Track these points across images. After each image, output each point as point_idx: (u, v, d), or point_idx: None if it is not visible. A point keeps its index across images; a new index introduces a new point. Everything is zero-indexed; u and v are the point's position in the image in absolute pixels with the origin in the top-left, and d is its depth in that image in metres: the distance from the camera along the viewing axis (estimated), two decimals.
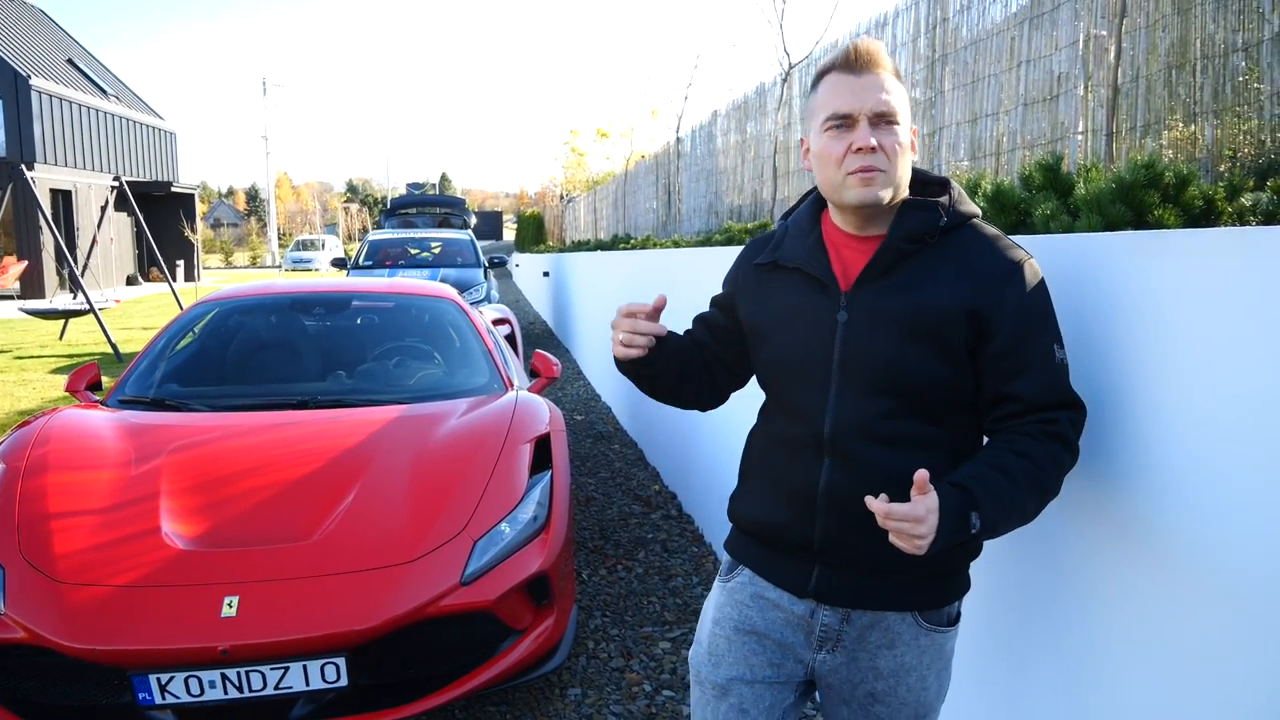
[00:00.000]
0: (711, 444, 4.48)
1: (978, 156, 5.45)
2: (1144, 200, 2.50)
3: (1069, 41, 4.68)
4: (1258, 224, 2.58)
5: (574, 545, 3.81)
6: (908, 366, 1.49)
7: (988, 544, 1.72)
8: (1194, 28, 4.05)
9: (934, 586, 1.59)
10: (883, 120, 1.48)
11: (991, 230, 1.55)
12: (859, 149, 1.48)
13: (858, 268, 1.56)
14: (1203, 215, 2.60)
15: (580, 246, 15.21)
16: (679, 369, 1.74)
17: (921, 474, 1.33)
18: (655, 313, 1.66)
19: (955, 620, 1.64)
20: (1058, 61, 4.77)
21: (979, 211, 1.57)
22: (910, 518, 1.31)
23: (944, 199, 1.54)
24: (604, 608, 3.90)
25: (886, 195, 1.50)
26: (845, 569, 1.57)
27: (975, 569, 1.67)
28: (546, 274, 15.00)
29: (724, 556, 1.78)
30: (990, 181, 3.02)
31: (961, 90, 5.49)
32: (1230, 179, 2.68)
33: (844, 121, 1.50)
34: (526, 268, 20.56)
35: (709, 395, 1.81)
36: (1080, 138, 4.66)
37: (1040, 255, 1.95)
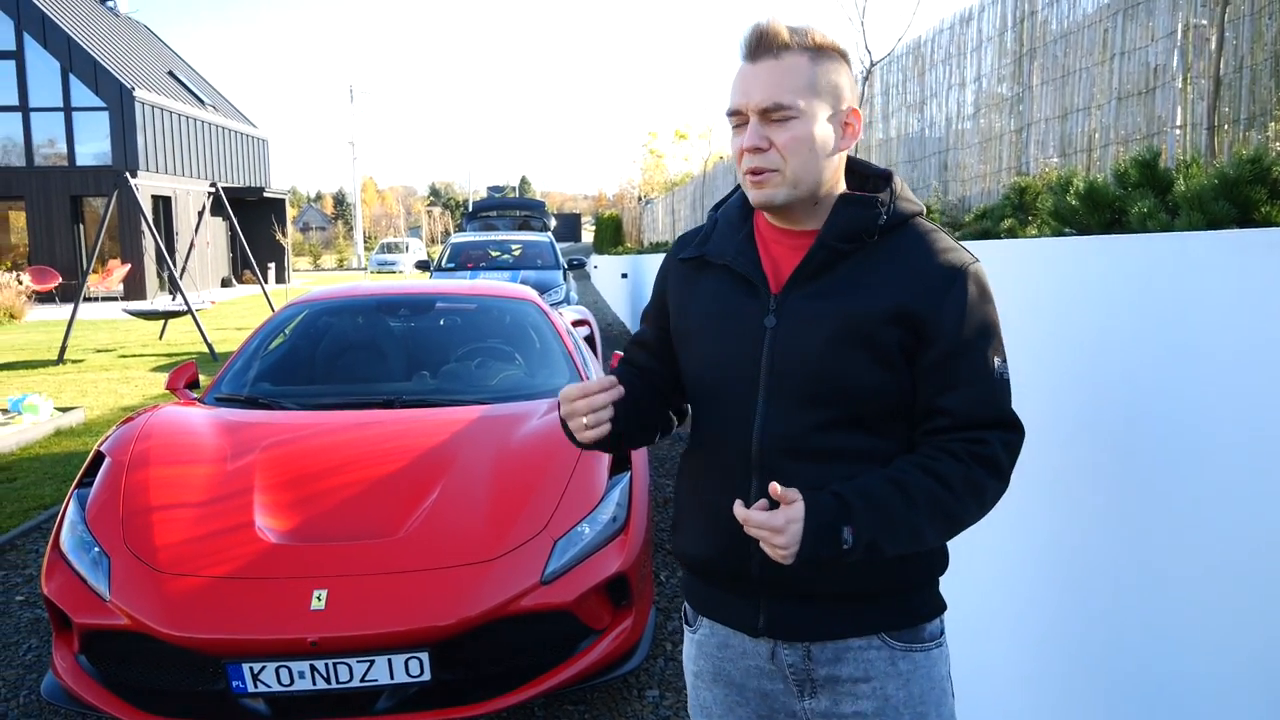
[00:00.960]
0: None
1: (1068, 153, 5.28)
2: (1250, 197, 2.38)
3: (1166, 32, 4.50)
4: None
5: (653, 547, 3.81)
6: (841, 374, 1.34)
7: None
8: None
9: (897, 604, 1.42)
10: (773, 114, 1.32)
11: (935, 230, 1.40)
12: (745, 149, 1.34)
13: (789, 267, 1.40)
14: None
15: (659, 248, 15.24)
16: (639, 417, 1.51)
17: (775, 487, 1.22)
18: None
19: (938, 639, 1.45)
20: (1154, 53, 4.59)
21: (922, 209, 1.44)
22: (767, 526, 1.21)
23: (884, 195, 1.39)
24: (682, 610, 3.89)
25: (781, 196, 1.35)
26: (792, 600, 1.40)
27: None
28: (625, 275, 15.06)
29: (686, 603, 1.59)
30: (1082, 178, 2.92)
31: (1051, 85, 5.33)
32: None
33: (737, 119, 1.36)
34: (605, 269, 20.67)
35: (671, 422, 1.61)
36: (1178, 132, 4.47)
37: (1134, 255, 1.88)
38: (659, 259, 11.17)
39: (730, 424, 1.41)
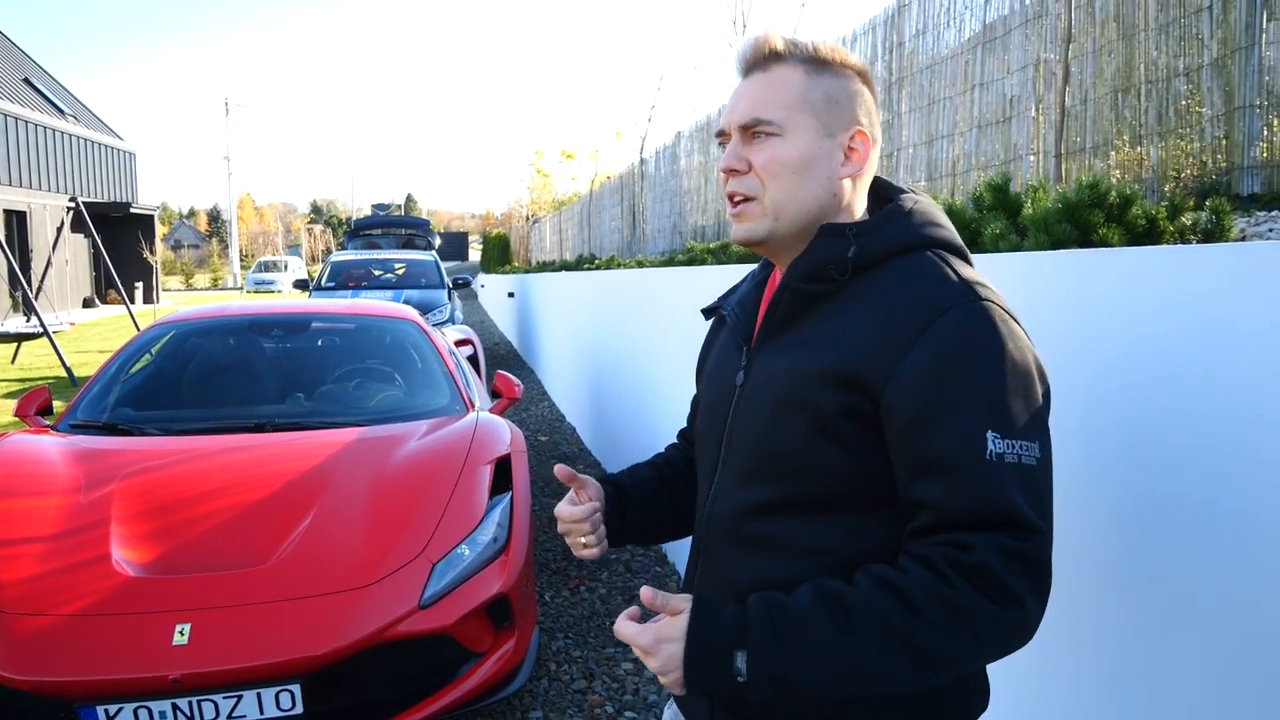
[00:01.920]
0: None
1: (934, 177, 5.55)
2: (1089, 220, 2.56)
3: (1020, 65, 4.79)
4: (1197, 242, 2.65)
5: (535, 567, 3.79)
6: (781, 446, 1.10)
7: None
8: (1138, 53, 4.17)
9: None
10: (753, 131, 1.14)
11: (940, 262, 1.10)
12: (721, 169, 1.18)
13: None
14: (1145, 234, 2.67)
15: (545, 267, 15.23)
16: (647, 511, 1.40)
17: (645, 591, 1.02)
18: (580, 487, 1.34)
19: None
20: (1010, 85, 4.89)
21: (945, 237, 1.14)
22: (635, 644, 1.02)
23: (867, 220, 1.15)
24: (566, 629, 3.88)
25: (762, 230, 1.15)
26: (733, 711, 1.17)
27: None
28: (511, 295, 14.98)
29: None
30: (943, 201, 3.07)
31: (918, 112, 5.60)
32: (1172, 199, 2.76)
33: (723, 139, 1.20)
34: (492, 288, 20.53)
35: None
36: (1032, 159, 4.76)
37: (990, 274, 1.99)
38: (547, 278, 11.21)
39: (700, 495, 1.28)
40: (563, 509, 1.32)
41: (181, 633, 2.46)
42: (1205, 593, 1.30)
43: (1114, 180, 3.63)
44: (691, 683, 0.99)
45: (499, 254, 28.92)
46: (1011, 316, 1.06)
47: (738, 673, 0.97)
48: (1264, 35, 3.64)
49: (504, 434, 3.57)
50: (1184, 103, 4.00)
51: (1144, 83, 4.10)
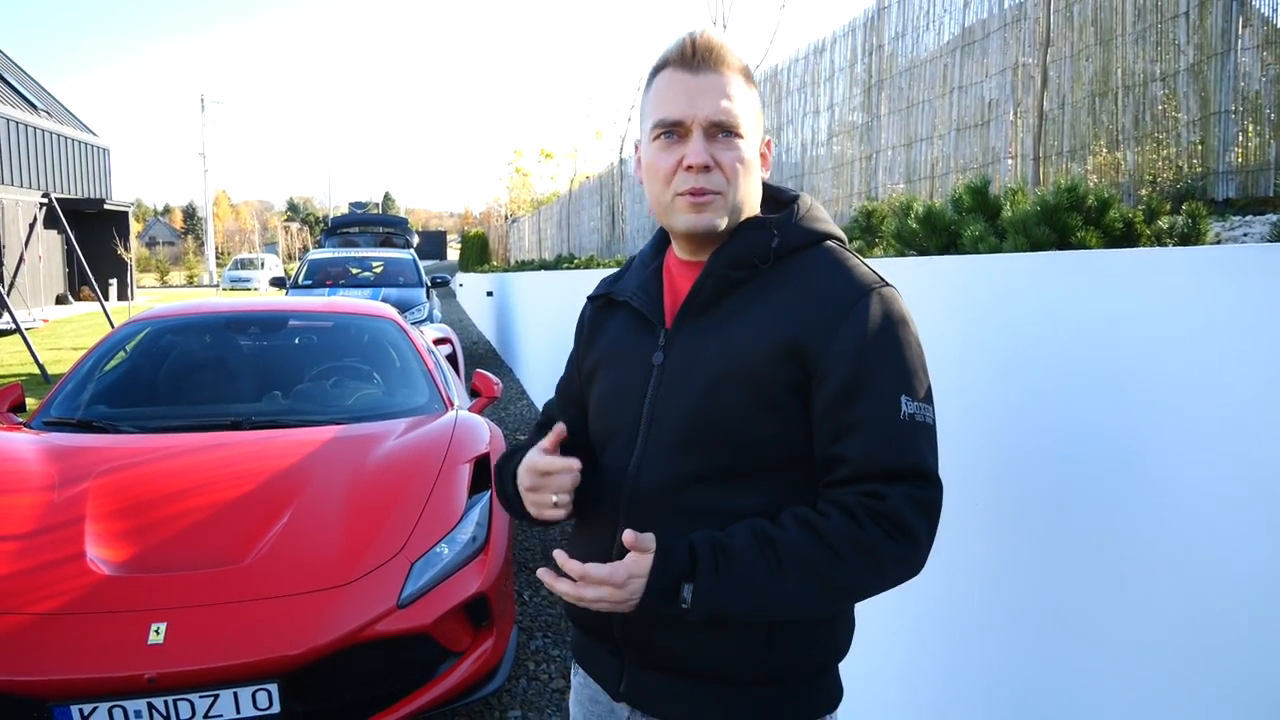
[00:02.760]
0: None
1: (913, 180, 5.58)
2: (1067, 223, 2.58)
3: (999, 69, 4.83)
4: (1173, 245, 2.68)
5: (514, 566, 3.78)
6: (720, 418, 1.20)
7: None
8: (1115, 58, 4.22)
9: (770, 695, 1.23)
10: (721, 131, 1.21)
11: (844, 254, 1.25)
12: (689, 166, 1.21)
13: None
14: (1123, 237, 2.69)
15: (524, 266, 15.19)
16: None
17: (629, 534, 1.11)
18: (556, 446, 1.31)
19: None
20: (988, 88, 4.93)
21: (835, 232, 1.29)
22: (610, 582, 1.10)
23: (781, 216, 1.27)
24: (545, 629, 3.87)
25: (723, 222, 1.24)
26: (653, 669, 1.27)
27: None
28: (490, 294, 14.94)
29: None
30: (922, 203, 3.10)
31: (898, 115, 5.63)
32: (1149, 202, 2.79)
33: (675, 130, 1.22)
34: (470, 287, 20.46)
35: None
36: (1010, 162, 4.80)
37: (969, 275, 2.01)
38: (525, 277, 11.18)
39: (611, 471, 1.30)
40: (542, 458, 1.24)
41: (157, 632, 2.44)
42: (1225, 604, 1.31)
43: (1091, 184, 3.66)
44: (644, 605, 1.12)
45: (477, 253, 28.82)
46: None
47: (683, 600, 1.12)
48: (1239, 41, 3.69)
49: (483, 432, 3.56)
50: (1160, 108, 4.04)
51: (1121, 88, 4.15)
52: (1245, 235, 3.13)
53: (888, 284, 1.21)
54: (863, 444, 1.14)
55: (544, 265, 12.96)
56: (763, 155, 1.30)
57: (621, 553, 1.21)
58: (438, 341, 6.56)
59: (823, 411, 1.17)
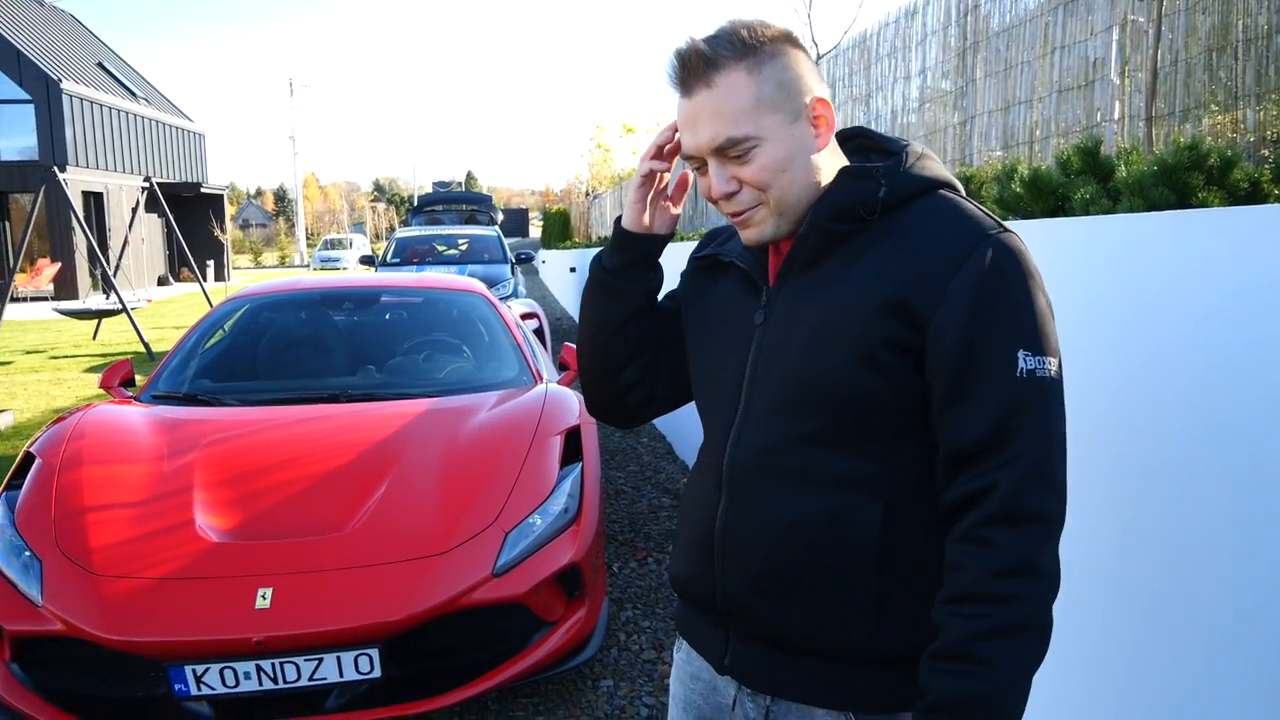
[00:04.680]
0: None
1: (1010, 145, 5.37)
2: (1188, 183, 2.44)
3: (1104, 26, 4.60)
4: None
5: (604, 538, 3.79)
6: (818, 377, 1.14)
7: None
8: (1235, 10, 3.96)
9: (883, 682, 1.17)
10: (730, 151, 1.13)
11: (959, 201, 1.16)
12: (714, 199, 1.18)
13: None
14: (1249, 198, 2.53)
15: (606, 243, 15.23)
16: (639, 335, 1.38)
17: None
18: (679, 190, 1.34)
19: None
20: (1093, 47, 4.69)
21: (953, 181, 1.20)
22: None
23: (888, 164, 1.18)
24: (635, 600, 3.88)
25: (771, 229, 1.18)
26: (758, 642, 1.22)
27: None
28: (573, 270, 15.01)
29: None
30: (1027, 166, 2.96)
31: (994, 78, 5.42)
32: (1277, 161, 2.62)
33: (696, 161, 1.18)
34: (553, 264, 20.61)
35: (639, 394, 1.42)
36: (1116, 124, 4.57)
37: (1084, 238, 1.90)
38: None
39: (714, 434, 1.27)
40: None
41: (264, 597, 2.51)
42: None
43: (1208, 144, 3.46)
44: None
45: (559, 230, 28.99)
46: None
47: None
48: None
49: (573, 405, 3.57)
50: None
51: (1241, 41, 3.90)
52: None
53: (1007, 229, 1.11)
54: (979, 405, 1.06)
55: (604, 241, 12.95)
56: (818, 119, 1.15)
57: (727, 512, 1.20)
58: (525, 316, 6.62)
59: (935, 370, 1.09)
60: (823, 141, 1.17)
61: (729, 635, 1.26)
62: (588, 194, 28.57)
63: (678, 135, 1.24)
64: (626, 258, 1.33)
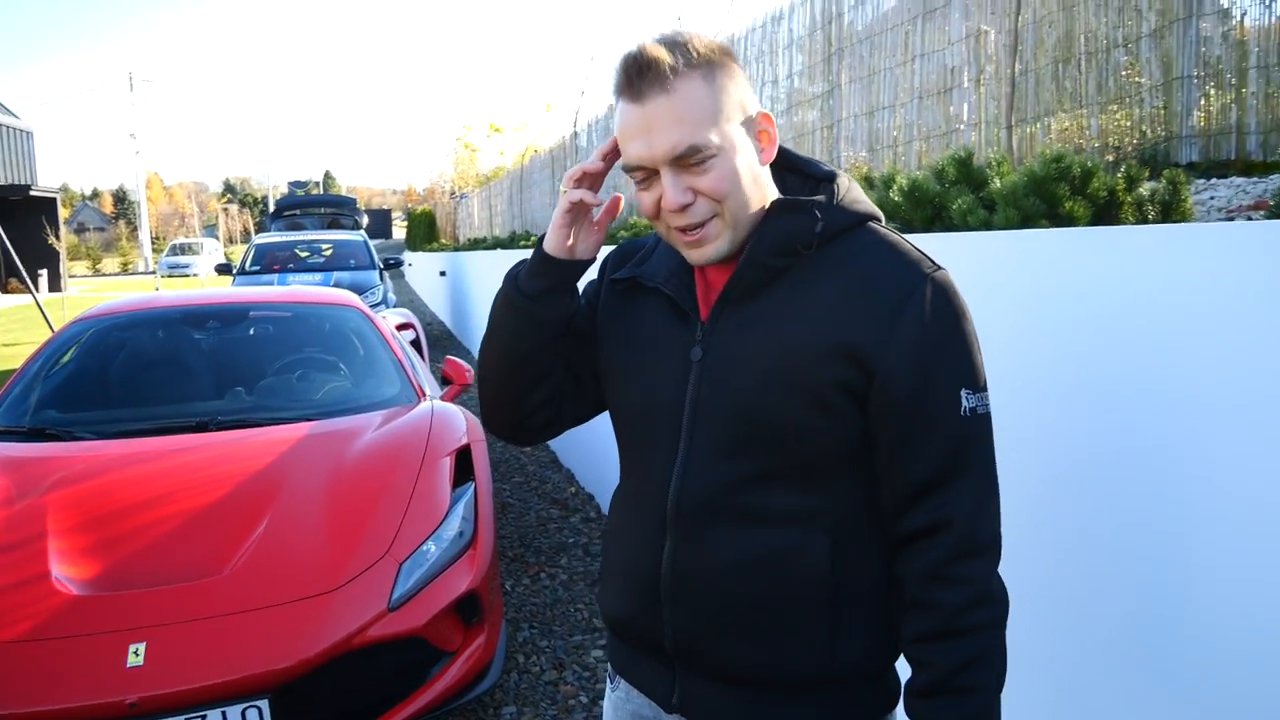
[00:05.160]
0: None
1: (875, 148, 5.56)
2: (1055, 193, 2.56)
3: (959, 37, 4.81)
4: (1156, 212, 2.68)
5: (499, 557, 3.71)
6: (769, 418, 1.14)
7: None
8: (1078, 24, 4.21)
9: (835, 705, 1.21)
10: (690, 160, 1.10)
11: (891, 237, 1.18)
12: (669, 210, 1.14)
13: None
14: (1107, 205, 2.69)
15: (477, 245, 14.93)
16: (550, 359, 1.32)
17: None
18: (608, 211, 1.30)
19: None
20: (950, 56, 4.90)
21: (877, 213, 1.21)
22: None
23: (822, 198, 1.18)
24: (530, 619, 3.81)
25: (725, 246, 1.15)
26: (711, 680, 1.22)
27: None
28: (443, 273, 14.70)
29: None
30: (906, 176, 3.06)
31: (858, 84, 5.59)
32: (1129, 171, 2.78)
33: (644, 173, 1.14)
34: (420, 267, 20.15)
35: (544, 415, 1.36)
36: (973, 129, 4.79)
37: (970, 255, 1.97)
38: (481, 256, 10.97)
39: (651, 473, 1.24)
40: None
41: (136, 653, 2.32)
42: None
43: (1058, 150, 3.66)
44: None
45: (425, 231, 28.33)
46: None
47: None
48: (1200, 7, 3.70)
49: (460, 422, 3.47)
50: (1124, 73, 4.05)
51: (1084, 54, 4.15)
52: (1212, 198, 3.15)
53: (940, 267, 1.15)
54: (930, 446, 1.12)
55: (498, 243, 12.76)
56: (761, 134, 1.17)
57: (674, 556, 1.20)
58: (400, 327, 6.40)
59: (884, 412, 1.13)
60: (766, 157, 1.18)
61: (675, 673, 1.25)
62: (453, 194, 28.04)
63: (602, 161, 1.22)
64: (547, 283, 1.27)
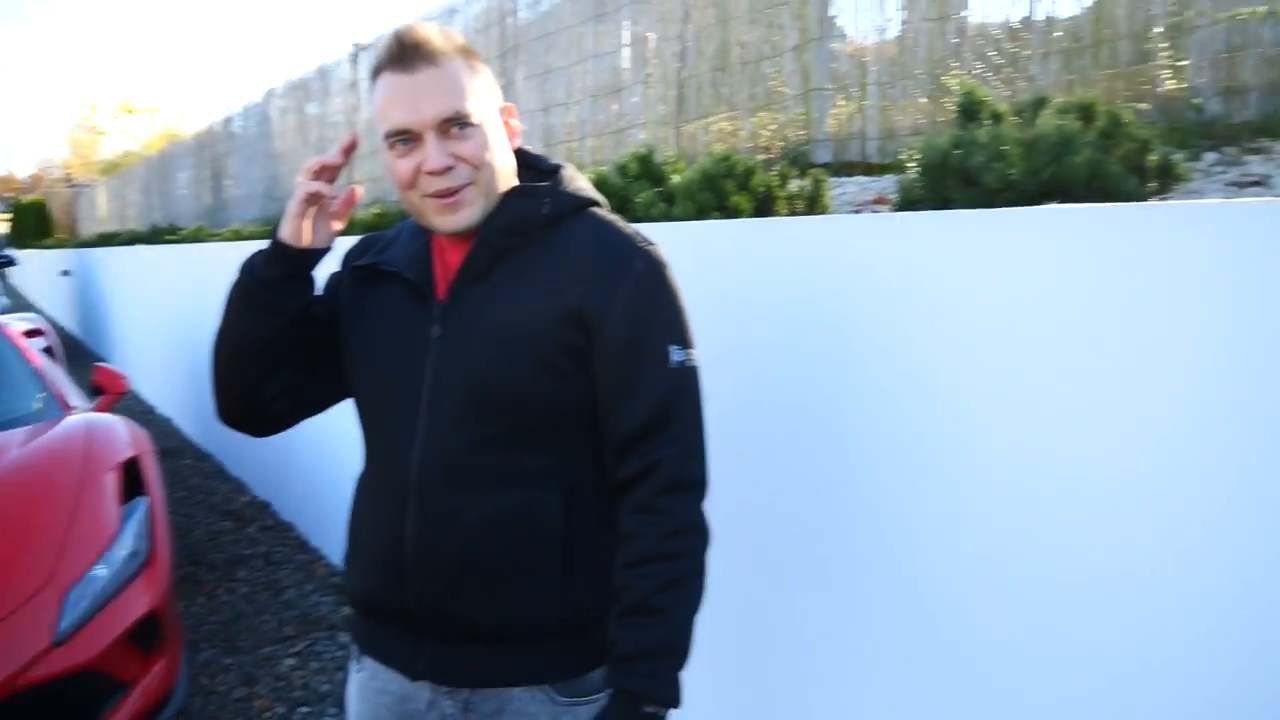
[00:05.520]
0: (307, 441, 4.22)
1: (551, 144, 5.75)
2: (724, 188, 2.84)
3: (629, 41, 5.12)
4: (803, 205, 3.04)
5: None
6: (502, 383, 1.23)
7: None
8: (733, 35, 4.66)
9: (572, 650, 1.29)
10: (455, 125, 1.20)
11: (610, 219, 1.30)
12: (430, 171, 1.20)
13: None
14: (765, 199, 3.02)
15: (110, 240, 13.28)
16: (286, 347, 1.33)
17: None
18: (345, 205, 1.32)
19: (602, 688, 1.28)
20: (621, 58, 5.20)
21: (598, 199, 1.33)
22: None
23: (548, 184, 1.29)
24: (211, 638, 3.53)
25: (478, 213, 1.24)
26: (454, 641, 1.28)
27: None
28: (67, 273, 12.89)
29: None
30: (592, 171, 3.22)
31: (534, 80, 5.74)
32: (782, 170, 3.14)
33: (408, 137, 1.21)
34: (32, 266, 17.52)
35: (281, 405, 1.37)
36: (642, 128, 5.13)
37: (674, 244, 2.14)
38: (120, 253, 9.77)
39: (391, 448, 1.30)
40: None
41: None
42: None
43: (718, 149, 4.04)
44: None
45: (35, 225, 24.73)
46: None
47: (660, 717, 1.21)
48: (830, 28, 4.25)
49: (123, 434, 3.13)
50: (770, 82, 4.55)
51: (739, 63, 4.60)
52: (842, 194, 3.66)
53: (652, 244, 1.29)
54: (644, 396, 1.22)
55: (137, 238, 11.43)
56: (507, 124, 1.29)
57: (417, 522, 1.24)
58: (30, 334, 5.55)
59: (605, 368, 1.23)
60: (515, 144, 1.30)
61: (421, 641, 1.29)
62: (69, 182, 24.70)
63: (342, 155, 1.30)
64: (281, 270, 1.28)
